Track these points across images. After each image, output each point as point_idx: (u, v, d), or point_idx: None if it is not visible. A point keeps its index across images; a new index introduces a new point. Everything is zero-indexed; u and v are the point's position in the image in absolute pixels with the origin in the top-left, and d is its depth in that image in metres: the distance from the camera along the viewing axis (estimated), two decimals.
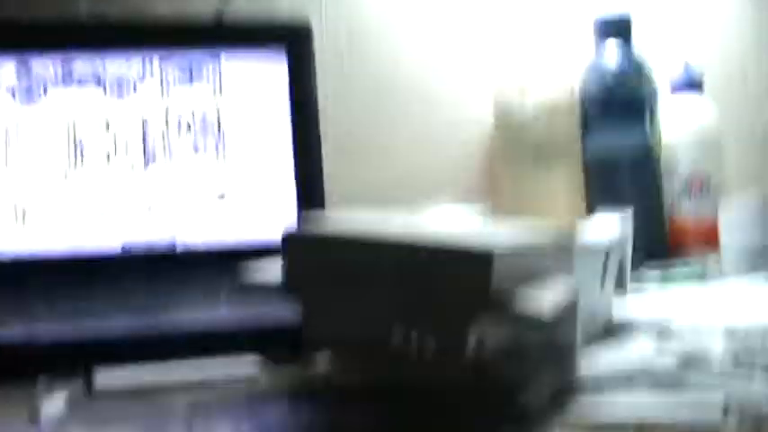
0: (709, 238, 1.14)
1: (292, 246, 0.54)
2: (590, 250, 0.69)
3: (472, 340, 0.52)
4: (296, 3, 1.17)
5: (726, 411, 0.49)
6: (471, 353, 0.53)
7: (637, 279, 1.01)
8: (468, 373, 0.55)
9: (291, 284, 0.55)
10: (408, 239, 0.53)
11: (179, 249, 0.97)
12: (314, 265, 0.54)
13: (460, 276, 0.50)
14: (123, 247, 0.96)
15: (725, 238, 1.09)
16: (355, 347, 0.56)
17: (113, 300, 0.85)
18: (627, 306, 0.82)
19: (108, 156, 0.97)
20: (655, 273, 1.04)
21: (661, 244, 1.15)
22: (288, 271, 0.55)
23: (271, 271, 0.58)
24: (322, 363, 0.66)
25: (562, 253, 0.62)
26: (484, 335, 0.54)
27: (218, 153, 1.00)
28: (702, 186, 1.17)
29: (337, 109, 1.15)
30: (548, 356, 0.61)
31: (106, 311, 0.82)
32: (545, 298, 0.53)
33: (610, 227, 0.75)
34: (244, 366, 0.67)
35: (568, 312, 0.59)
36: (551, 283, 0.59)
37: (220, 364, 0.67)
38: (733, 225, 1.08)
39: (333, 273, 0.54)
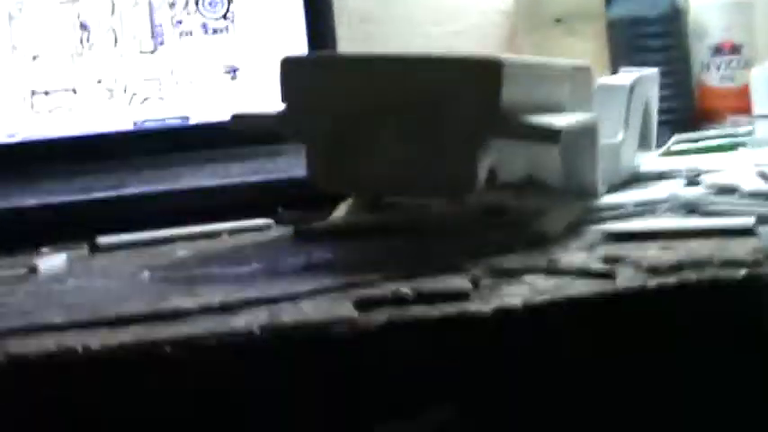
0: (740, 107, 1.08)
1: (291, 70, 0.50)
2: (611, 88, 0.65)
3: (483, 169, 0.48)
4: None
5: (757, 223, 0.44)
6: (482, 184, 0.49)
7: (664, 149, 0.96)
8: (479, 208, 0.51)
9: (291, 116, 0.51)
10: (413, 56, 0.49)
11: (191, 127, 0.93)
12: (314, 92, 0.50)
13: (469, 87, 0.46)
14: (135, 127, 0.93)
15: (756, 106, 1.03)
16: (360, 186, 0.52)
17: (125, 177, 0.82)
18: (653, 163, 0.78)
19: (115, 38, 0.93)
20: (683, 142, 0.99)
21: (688, 110, 1.09)
22: (288, 100, 0.51)
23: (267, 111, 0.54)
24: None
25: (579, 82, 0.58)
26: (495, 162, 0.50)
27: (227, 29, 0.95)
28: (733, 53, 1.11)
29: None
30: (564, 186, 0.57)
31: (117, 186, 0.79)
32: (559, 118, 0.48)
33: (633, 75, 0.70)
34: (252, 222, 0.63)
35: (587, 139, 0.54)
36: (567, 108, 0.55)
37: (229, 223, 0.64)
38: (765, 93, 1.03)
39: (334, 100, 0.49)
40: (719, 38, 1.11)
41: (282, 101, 0.52)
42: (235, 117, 0.54)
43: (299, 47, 0.96)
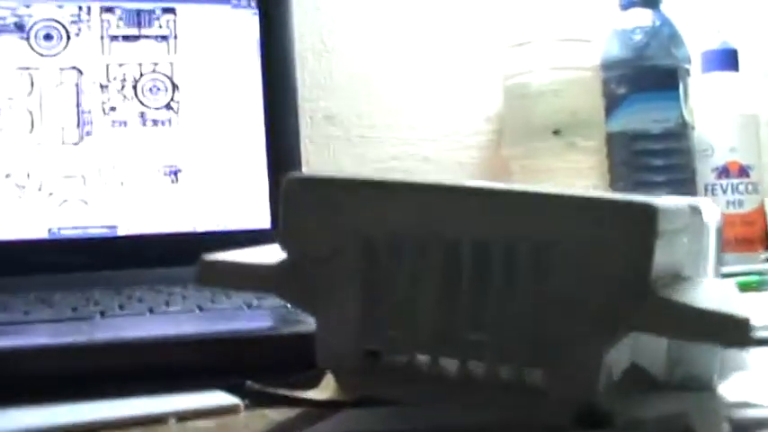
0: (753, 235, 0.94)
1: (300, 197, 0.31)
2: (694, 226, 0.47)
3: (606, 366, 0.30)
4: None
5: None
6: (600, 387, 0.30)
7: None
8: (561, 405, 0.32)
9: (297, 269, 0.32)
10: (501, 190, 0.30)
11: (119, 239, 0.73)
12: (340, 235, 0.31)
13: (601, 243, 0.27)
14: (50, 235, 0.72)
15: None
16: (401, 386, 0.33)
17: (32, 307, 0.61)
18: None
19: (32, 122, 0.73)
20: None
21: None
22: (292, 246, 0.32)
23: (247, 256, 0.35)
24: (328, 389, 0.43)
25: (694, 230, 0.40)
26: (615, 356, 0.31)
27: (170, 122, 0.76)
28: (741, 176, 0.96)
29: (317, 93, 0.92)
30: (668, 376, 0.39)
31: (23, 323, 0.57)
32: (728, 300, 0.30)
33: (712, 209, 0.52)
34: (209, 400, 0.43)
35: None
36: (686, 269, 0.37)
37: (176, 399, 0.43)
38: None
39: (358, 241, 0.31)
40: (725, 159, 0.96)
41: (282, 245, 0.32)
42: (205, 264, 0.34)
43: (257, 147, 0.77)
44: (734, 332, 0.27)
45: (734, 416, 0.34)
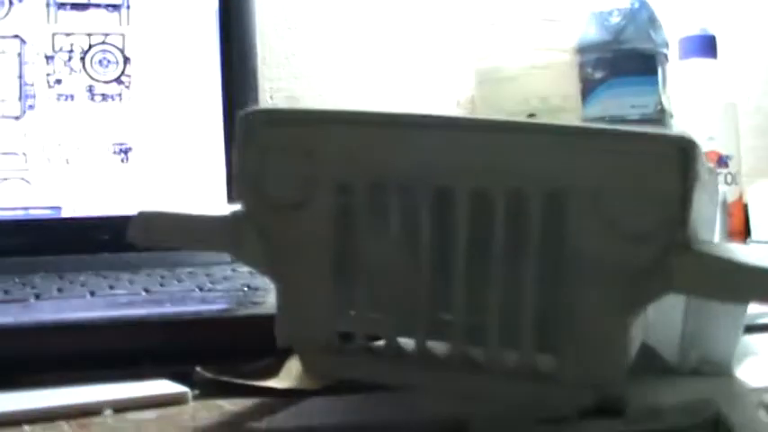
0: (732, 228, 0.89)
1: (257, 134, 0.25)
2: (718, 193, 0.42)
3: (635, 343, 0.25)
4: None
5: None
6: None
7: None
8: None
9: (250, 213, 0.26)
10: (493, 120, 0.24)
11: (64, 221, 0.67)
12: (296, 174, 0.25)
13: (626, 186, 0.22)
14: None
15: (756, 230, 0.85)
16: (363, 347, 0.28)
17: None
18: None
19: None
20: None
21: None
22: (244, 183, 0.26)
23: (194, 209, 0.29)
24: (289, 377, 0.37)
25: (710, 186, 0.35)
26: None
27: (121, 97, 0.70)
28: (719, 166, 0.91)
29: (278, 72, 0.86)
30: (680, 358, 0.34)
31: None
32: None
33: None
34: (152, 389, 0.37)
35: None
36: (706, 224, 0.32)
37: (114, 388, 0.37)
38: (763, 212, 0.84)
39: (332, 188, 0.25)
40: (704, 148, 0.91)
41: (237, 193, 0.27)
42: (141, 218, 0.28)
43: (213, 125, 0.71)
44: None
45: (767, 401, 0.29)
